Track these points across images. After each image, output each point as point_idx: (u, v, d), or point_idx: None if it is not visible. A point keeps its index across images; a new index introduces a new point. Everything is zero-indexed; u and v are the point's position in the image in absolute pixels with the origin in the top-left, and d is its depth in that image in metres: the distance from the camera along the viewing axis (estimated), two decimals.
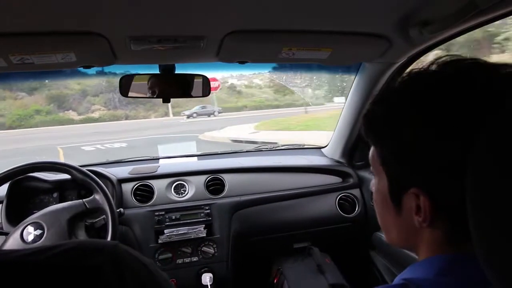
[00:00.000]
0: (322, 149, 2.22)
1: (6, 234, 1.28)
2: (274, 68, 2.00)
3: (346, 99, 1.82)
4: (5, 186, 1.42)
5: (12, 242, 1.22)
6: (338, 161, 2.03)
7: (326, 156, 2.14)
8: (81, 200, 1.34)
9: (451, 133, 0.44)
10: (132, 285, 0.42)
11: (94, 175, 1.39)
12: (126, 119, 21.82)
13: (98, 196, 1.35)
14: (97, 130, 16.25)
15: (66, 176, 1.44)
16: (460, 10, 0.88)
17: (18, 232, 1.23)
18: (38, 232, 1.24)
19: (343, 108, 1.87)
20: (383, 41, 1.19)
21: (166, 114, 21.55)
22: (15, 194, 1.46)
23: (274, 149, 2.34)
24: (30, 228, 1.22)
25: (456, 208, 0.44)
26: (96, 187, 1.33)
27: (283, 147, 2.37)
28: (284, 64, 1.71)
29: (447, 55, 0.49)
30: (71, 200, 1.57)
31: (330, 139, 2.13)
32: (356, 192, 1.91)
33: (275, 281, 1.79)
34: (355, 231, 1.90)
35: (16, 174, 1.32)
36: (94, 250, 0.42)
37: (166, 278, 0.50)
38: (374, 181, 0.59)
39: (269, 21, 1.02)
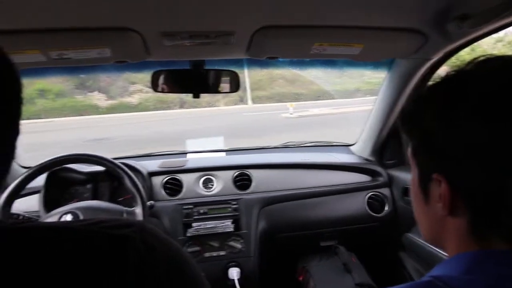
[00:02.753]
0: (351, 147, 2.19)
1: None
2: (302, 65, 1.98)
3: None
4: (43, 176, 1.48)
5: None
6: (367, 159, 1.99)
7: (355, 154, 2.10)
8: (123, 209, 1.36)
9: (472, 117, 0.46)
10: (160, 254, 0.46)
11: (126, 167, 1.43)
12: (181, 107, 15.16)
13: (130, 188, 1.39)
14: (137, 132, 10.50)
15: (99, 168, 1.48)
16: (503, 4, 0.84)
17: (55, 219, 1.28)
18: None
19: (373, 105, 1.83)
20: (418, 36, 1.15)
21: (242, 100, 15.34)
22: (52, 184, 1.52)
23: (301, 145, 2.32)
24: (68, 217, 1.27)
25: (476, 196, 0.47)
26: (128, 179, 1.36)
27: (310, 144, 2.34)
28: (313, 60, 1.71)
29: (483, 55, 0.51)
30: (104, 191, 1.63)
31: (359, 137, 2.09)
32: (385, 191, 1.87)
33: (300, 278, 1.78)
34: (383, 231, 1.87)
35: (53, 165, 1.37)
36: (126, 224, 0.47)
37: (190, 256, 0.53)
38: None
39: (300, 17, 1.01)
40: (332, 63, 1.81)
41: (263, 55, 1.25)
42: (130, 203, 1.51)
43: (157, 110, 14.52)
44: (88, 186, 1.62)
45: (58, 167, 1.46)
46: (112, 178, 1.62)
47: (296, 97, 14.97)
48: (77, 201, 1.44)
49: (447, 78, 0.53)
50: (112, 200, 1.61)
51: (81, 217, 1.28)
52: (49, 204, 1.47)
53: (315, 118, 11.69)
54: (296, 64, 1.91)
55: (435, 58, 1.36)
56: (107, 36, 1.00)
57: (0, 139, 0.44)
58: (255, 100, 15.00)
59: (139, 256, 0.43)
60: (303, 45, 1.17)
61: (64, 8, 0.86)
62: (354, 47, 1.18)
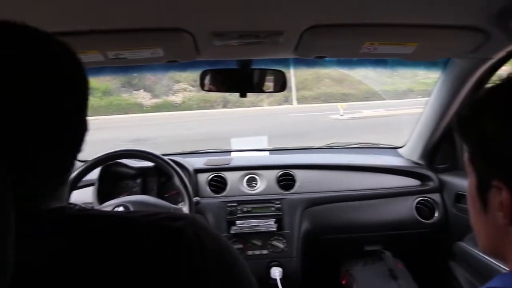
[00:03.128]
0: (399, 150, 2.11)
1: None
2: (349, 64, 1.94)
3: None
4: (97, 170, 1.56)
5: None
6: (416, 163, 1.91)
7: (403, 157, 2.03)
8: (171, 206, 1.41)
9: None
10: (211, 248, 0.47)
11: (174, 164, 1.47)
12: (224, 106, 14.66)
13: (177, 184, 1.43)
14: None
15: (149, 163, 1.54)
16: None
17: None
18: None
19: (425, 106, 1.75)
20: (478, 34, 1.08)
21: (287, 100, 14.46)
22: (105, 177, 1.61)
23: (346, 146, 2.28)
24: (121, 209, 1.33)
25: None
26: (176, 176, 1.41)
27: (356, 145, 2.29)
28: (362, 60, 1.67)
29: None
30: (152, 186, 1.69)
31: (408, 139, 2.01)
32: (436, 196, 1.78)
33: (343, 282, 1.75)
34: (433, 239, 1.79)
35: (107, 160, 1.45)
36: (179, 216, 0.49)
37: (238, 252, 0.54)
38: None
39: (351, 15, 0.99)
40: (381, 63, 1.76)
41: (311, 54, 1.23)
42: (176, 199, 1.56)
43: (200, 109, 14.03)
44: (138, 180, 1.69)
45: (111, 162, 1.54)
46: (160, 174, 1.68)
47: (344, 98, 14.14)
48: (127, 195, 1.51)
49: (509, 79, 0.51)
50: (159, 195, 1.67)
51: (132, 209, 1.34)
52: (102, 196, 1.55)
53: (368, 120, 10.71)
54: (344, 64, 1.87)
55: (495, 58, 1.28)
56: (160, 36, 1.04)
57: (73, 135, 0.47)
58: (301, 100, 14.20)
59: (191, 250, 0.45)
60: (353, 44, 1.14)
61: (122, 11, 0.90)
62: (407, 46, 1.13)
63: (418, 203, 1.78)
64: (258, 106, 14.33)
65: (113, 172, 1.66)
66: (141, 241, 0.44)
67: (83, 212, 0.47)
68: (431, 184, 1.80)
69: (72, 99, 0.47)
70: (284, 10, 0.94)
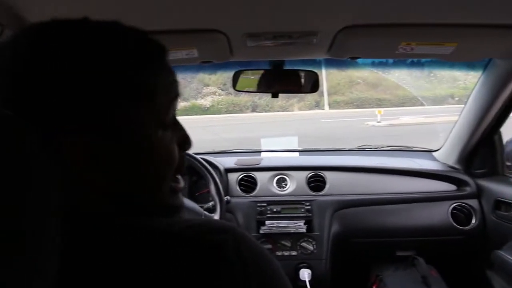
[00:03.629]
0: (434, 153, 2.05)
1: None
2: (383, 65, 1.90)
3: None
4: None
5: None
6: (452, 167, 1.84)
7: (438, 161, 1.96)
8: (202, 211, 1.43)
9: None
10: (252, 266, 0.44)
11: (206, 163, 1.49)
12: (253, 110, 14.41)
13: (209, 183, 1.45)
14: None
15: None
16: None
17: None
18: None
19: (463, 108, 1.69)
20: None
21: (318, 105, 13.82)
22: None
23: (378, 149, 2.23)
24: None
25: None
26: (208, 175, 1.43)
27: (388, 148, 2.24)
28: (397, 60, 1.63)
29: None
30: (184, 184, 1.72)
31: (444, 142, 1.95)
32: (473, 202, 1.71)
33: (373, 287, 1.71)
34: (469, 246, 1.72)
35: None
36: (219, 228, 0.45)
37: (280, 266, 0.50)
38: None
39: (387, 15, 0.97)
40: (416, 64, 1.72)
41: (345, 55, 1.22)
42: (207, 197, 1.58)
43: (229, 113, 13.99)
44: None
45: None
46: (191, 173, 1.71)
47: (379, 103, 13.58)
48: None
49: None
50: (190, 193, 1.69)
51: None
52: None
53: (407, 128, 9.86)
54: (377, 65, 1.84)
55: None
56: (195, 37, 1.06)
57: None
58: (332, 105, 13.74)
59: (231, 266, 0.42)
60: (389, 45, 1.12)
61: (159, 13, 0.92)
62: (445, 46, 1.09)
63: (454, 208, 1.72)
64: (288, 111, 14.05)
65: None
66: (177, 258, 0.41)
67: (118, 221, 0.45)
68: (468, 190, 1.74)
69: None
70: (319, 11, 0.94)
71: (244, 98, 14.14)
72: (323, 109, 13.69)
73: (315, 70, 1.41)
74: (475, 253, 1.72)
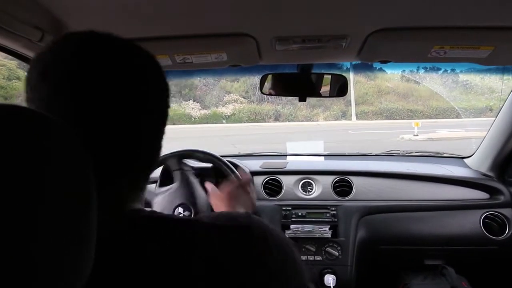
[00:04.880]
0: (465, 159, 1.99)
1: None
2: (413, 70, 1.86)
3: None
4: (159, 169, 1.64)
5: None
6: (485, 175, 1.78)
7: (470, 168, 1.90)
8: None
9: None
10: (274, 247, 0.50)
11: (232, 165, 1.50)
12: (276, 120, 13.66)
13: None
14: None
15: (208, 164, 1.59)
16: None
17: (170, 208, 1.43)
18: (187, 213, 1.42)
19: (497, 113, 1.63)
20: None
21: (344, 115, 13.07)
22: (166, 175, 1.68)
23: (407, 155, 2.18)
24: (180, 209, 1.40)
25: None
26: (234, 177, 1.44)
27: (417, 154, 2.19)
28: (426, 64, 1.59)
29: None
30: None
31: (477, 149, 1.89)
32: (507, 212, 1.65)
33: None
34: (503, 257, 1.65)
35: (169, 159, 1.52)
36: (242, 215, 0.52)
37: (299, 256, 0.57)
38: None
39: (420, 17, 0.95)
40: (450, 68, 1.67)
41: (375, 59, 1.20)
42: None
43: (251, 122, 13.57)
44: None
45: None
46: (218, 175, 1.72)
47: (410, 114, 12.86)
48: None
49: None
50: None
51: (192, 209, 1.39)
52: None
53: (449, 142, 8.96)
54: (408, 68, 1.80)
55: None
56: (225, 41, 1.07)
57: (156, 139, 0.52)
58: (360, 115, 13.05)
59: (257, 243, 0.48)
60: (421, 48, 1.09)
61: (190, 17, 0.94)
62: (481, 49, 1.06)
63: (486, 217, 1.66)
64: (313, 121, 13.54)
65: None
66: (211, 242, 0.46)
67: (155, 214, 0.49)
68: (501, 198, 1.67)
69: (157, 107, 0.51)
70: (349, 14, 0.93)
71: (266, 106, 13.77)
72: (350, 119, 13.04)
73: (344, 74, 1.40)
74: (509, 264, 1.65)
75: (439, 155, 2.14)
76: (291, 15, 0.93)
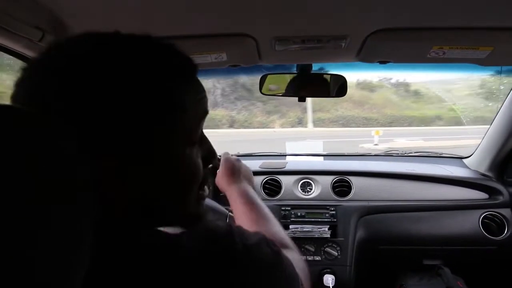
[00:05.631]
0: (464, 160, 1.99)
1: None
2: (413, 69, 1.86)
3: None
4: None
5: None
6: (484, 175, 1.79)
7: (469, 168, 1.91)
8: (226, 212, 1.45)
9: None
10: (260, 263, 0.47)
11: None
12: (231, 126, 13.30)
13: None
14: None
15: None
16: None
17: None
18: None
19: (496, 114, 1.64)
20: None
21: (300, 122, 12.88)
22: None
23: (406, 155, 2.19)
24: None
25: None
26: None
27: (416, 154, 2.19)
28: (426, 64, 1.59)
29: None
30: (208, 185, 1.73)
31: (476, 149, 1.89)
32: (506, 212, 1.65)
33: None
34: (501, 257, 1.66)
35: None
36: (224, 233, 0.48)
37: (288, 258, 0.54)
38: None
39: (419, 18, 0.95)
40: (449, 68, 1.67)
41: (375, 59, 1.20)
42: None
43: (204, 128, 13.10)
44: None
45: None
46: (215, 174, 1.72)
47: (366, 122, 12.73)
48: None
49: None
50: (214, 194, 1.71)
51: None
52: None
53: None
54: (406, 69, 1.80)
55: None
56: (225, 41, 1.07)
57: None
58: (317, 122, 12.60)
59: (241, 264, 0.46)
60: (420, 49, 1.09)
61: (190, 17, 0.94)
62: (480, 50, 1.06)
63: (485, 217, 1.66)
64: (269, 128, 13.10)
65: None
66: (194, 266, 0.44)
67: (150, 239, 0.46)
68: (500, 198, 1.68)
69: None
70: (349, 14, 0.93)
71: (220, 112, 13.40)
72: (307, 126, 12.60)
73: (343, 74, 1.40)
74: (508, 264, 1.65)
75: (438, 155, 2.14)
76: (290, 16, 0.93)
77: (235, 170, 0.94)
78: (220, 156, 1.53)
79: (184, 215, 0.52)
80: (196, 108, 0.50)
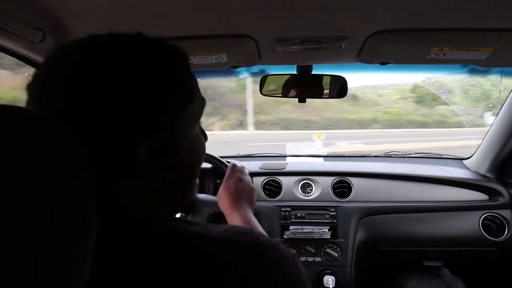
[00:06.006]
0: (464, 161, 1.99)
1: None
2: (415, 70, 1.86)
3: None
4: None
5: None
6: (484, 176, 1.79)
7: (469, 169, 1.91)
8: (215, 198, 1.46)
9: None
10: (284, 257, 0.48)
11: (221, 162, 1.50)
12: None
13: None
14: None
15: (207, 165, 1.59)
16: None
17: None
18: None
19: (496, 115, 1.64)
20: None
21: (241, 125, 12.45)
22: None
23: (406, 156, 2.19)
24: None
25: None
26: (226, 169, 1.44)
27: (417, 155, 2.19)
28: (427, 66, 1.59)
29: None
30: (209, 186, 1.73)
31: (476, 150, 1.89)
32: (506, 213, 1.65)
33: None
34: (501, 258, 1.65)
35: None
36: (246, 231, 0.49)
37: (304, 272, 0.53)
38: None
39: (419, 19, 0.95)
40: (449, 69, 1.67)
41: (375, 60, 1.20)
42: None
43: None
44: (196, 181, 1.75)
45: None
46: (216, 175, 1.72)
47: (306, 125, 12.42)
48: None
49: None
50: (214, 195, 1.71)
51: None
52: None
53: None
54: (408, 69, 1.80)
55: None
56: (225, 42, 1.07)
57: None
58: (258, 125, 12.29)
59: (267, 263, 0.46)
60: (420, 50, 1.09)
61: (190, 18, 0.94)
62: (480, 51, 1.06)
63: (485, 219, 1.66)
64: (208, 130, 12.25)
65: None
66: (218, 257, 0.44)
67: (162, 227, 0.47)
68: (501, 200, 1.68)
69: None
70: (349, 16, 0.93)
71: None
72: (247, 129, 12.15)
73: (344, 75, 1.40)
74: (508, 265, 1.65)
75: (438, 156, 2.14)
76: (291, 17, 0.93)
77: (237, 194, 0.95)
78: (228, 162, 1.54)
79: (186, 201, 0.56)
80: (199, 93, 0.55)
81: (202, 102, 0.55)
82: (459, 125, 9.92)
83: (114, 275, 0.41)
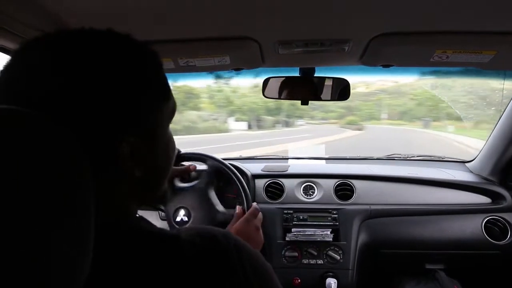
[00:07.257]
0: (467, 164, 1.99)
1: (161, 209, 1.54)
2: (418, 72, 1.85)
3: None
4: None
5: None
6: (487, 179, 1.78)
7: (472, 172, 1.90)
8: (226, 213, 1.46)
9: None
10: (249, 268, 0.50)
11: (234, 168, 1.51)
12: None
13: (236, 189, 1.46)
14: None
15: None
16: None
17: (171, 210, 1.46)
18: (185, 218, 1.44)
19: (499, 118, 1.63)
20: None
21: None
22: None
23: (408, 158, 2.18)
24: (181, 212, 1.41)
25: None
26: (237, 181, 1.44)
27: (419, 158, 2.19)
28: (430, 68, 1.59)
29: None
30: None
31: (479, 153, 1.88)
32: (509, 216, 1.64)
33: None
34: (503, 262, 1.64)
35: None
36: (223, 235, 0.52)
37: (271, 267, 0.57)
38: None
39: (422, 22, 0.95)
40: (450, 72, 1.67)
41: (378, 63, 1.20)
42: (233, 201, 1.59)
43: None
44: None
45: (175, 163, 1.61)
46: (219, 177, 1.71)
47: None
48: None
49: None
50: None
51: (191, 212, 1.42)
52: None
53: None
54: (411, 72, 1.80)
55: None
56: (228, 45, 1.07)
57: None
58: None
59: (234, 270, 0.49)
60: (423, 53, 1.09)
61: (193, 21, 0.94)
62: (483, 54, 1.06)
63: (488, 222, 1.65)
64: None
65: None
66: (189, 259, 0.47)
67: (134, 228, 0.49)
68: (503, 203, 1.67)
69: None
70: (353, 18, 0.93)
71: None
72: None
73: (347, 77, 1.40)
74: (510, 269, 1.64)
75: (440, 159, 2.14)
76: (294, 19, 0.93)
77: (250, 241, 0.98)
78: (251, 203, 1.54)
79: (156, 197, 0.59)
80: (172, 95, 0.57)
81: (174, 105, 0.57)
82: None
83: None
